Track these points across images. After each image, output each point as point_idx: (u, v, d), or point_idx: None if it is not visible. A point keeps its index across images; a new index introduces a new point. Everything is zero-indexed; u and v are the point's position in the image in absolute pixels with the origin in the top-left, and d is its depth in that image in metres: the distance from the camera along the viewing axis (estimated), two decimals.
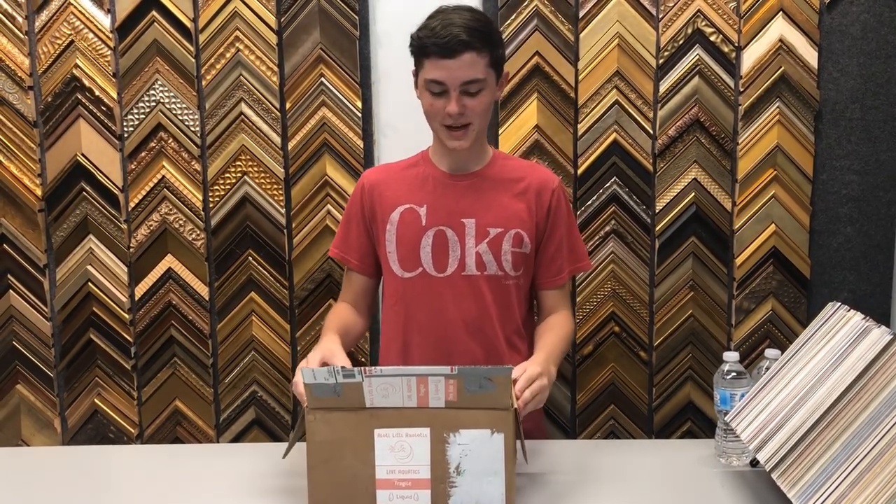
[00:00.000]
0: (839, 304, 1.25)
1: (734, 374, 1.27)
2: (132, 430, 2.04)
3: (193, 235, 1.99)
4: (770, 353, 1.28)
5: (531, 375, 1.16)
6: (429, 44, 1.37)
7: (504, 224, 1.47)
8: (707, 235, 1.98)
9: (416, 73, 1.45)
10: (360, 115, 1.96)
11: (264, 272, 1.99)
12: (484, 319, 1.47)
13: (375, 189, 1.53)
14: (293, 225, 1.99)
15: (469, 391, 1.03)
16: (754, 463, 1.25)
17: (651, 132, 1.96)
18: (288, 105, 1.95)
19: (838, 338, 1.17)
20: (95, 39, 1.93)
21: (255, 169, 1.97)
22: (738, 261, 1.99)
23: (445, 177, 1.50)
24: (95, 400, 2.03)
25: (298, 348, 2.01)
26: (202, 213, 1.98)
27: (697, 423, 2.04)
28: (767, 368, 1.26)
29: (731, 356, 1.27)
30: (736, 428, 1.20)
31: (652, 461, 1.27)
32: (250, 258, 1.99)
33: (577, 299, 2.00)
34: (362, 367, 1.04)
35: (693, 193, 1.97)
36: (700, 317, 2.00)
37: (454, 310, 1.47)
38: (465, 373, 1.03)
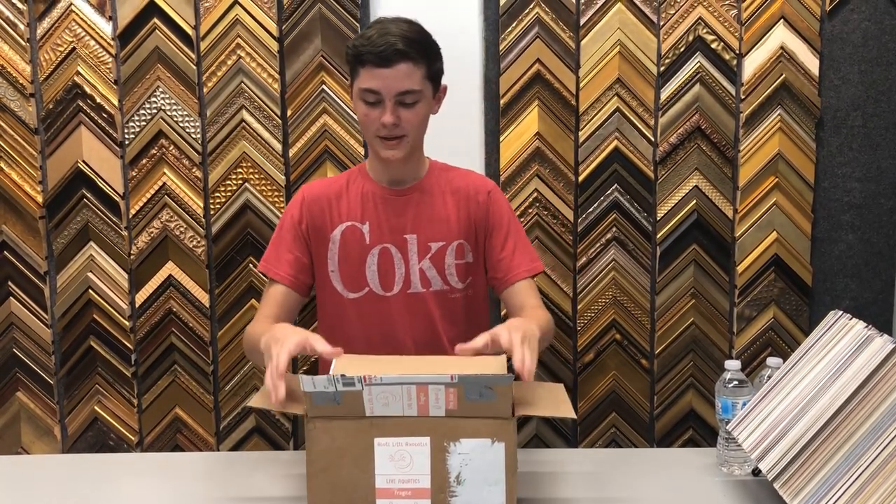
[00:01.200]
0: (841, 312, 1.24)
1: (736, 382, 1.26)
2: (132, 438, 2.04)
3: (194, 242, 1.98)
4: (772, 361, 1.27)
5: (521, 337, 1.14)
6: (364, 52, 1.35)
7: (445, 237, 1.46)
8: (708, 243, 1.98)
9: (351, 84, 1.43)
10: None
11: (265, 280, 1.99)
12: (433, 337, 1.47)
13: (315, 205, 1.48)
14: None
15: (469, 399, 1.02)
16: (756, 472, 1.24)
17: (652, 139, 1.95)
18: (289, 112, 1.95)
19: (840, 346, 1.16)
20: (97, 47, 1.93)
21: (256, 176, 1.97)
22: (740, 268, 1.98)
23: (385, 192, 1.48)
24: (95, 407, 2.03)
25: (299, 357, 2.01)
26: (203, 220, 1.98)
27: (699, 431, 2.03)
28: (769, 377, 1.26)
29: (732, 364, 1.27)
30: (738, 437, 1.19)
31: (654, 470, 1.26)
32: (251, 265, 1.99)
33: (579, 307, 1.99)
34: (362, 376, 1.03)
35: (694, 201, 1.96)
36: (701, 324, 2.00)
37: (402, 329, 1.46)
38: (465, 381, 1.03)
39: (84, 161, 1.97)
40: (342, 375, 1.04)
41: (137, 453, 1.98)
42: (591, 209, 1.97)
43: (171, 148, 1.96)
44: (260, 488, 1.21)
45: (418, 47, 1.37)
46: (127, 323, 2.00)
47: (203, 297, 2.00)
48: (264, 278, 1.55)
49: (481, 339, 1.17)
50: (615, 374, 2.01)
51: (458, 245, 1.46)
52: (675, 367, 2.01)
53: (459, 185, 1.50)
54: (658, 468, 1.27)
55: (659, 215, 1.97)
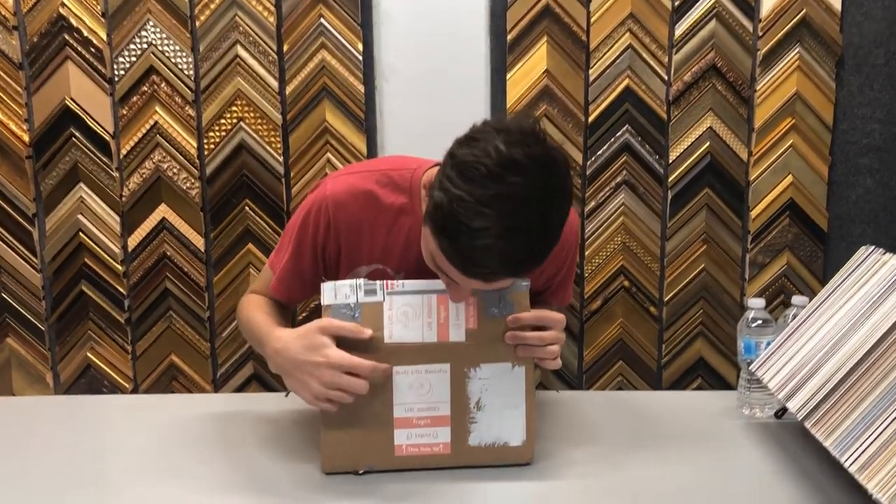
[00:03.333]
0: (873, 247, 1.21)
1: (760, 321, 1.23)
2: (126, 385, 1.99)
3: (188, 184, 1.92)
4: (797, 300, 1.24)
5: (550, 318, 1.04)
6: (454, 256, 0.96)
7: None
8: (722, 187, 1.91)
9: (427, 228, 1.00)
10: (360, 58, 1.88)
11: (262, 223, 1.94)
12: None
13: (342, 228, 1.14)
14: (291, 174, 1.93)
15: (488, 315, 0.98)
16: (779, 414, 1.22)
17: (665, 78, 1.89)
18: (286, 47, 1.88)
19: (874, 282, 1.13)
20: None
21: (252, 115, 1.90)
22: (754, 213, 1.93)
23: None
24: (88, 354, 1.98)
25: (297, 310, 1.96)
26: (196, 160, 1.91)
27: (708, 380, 2.01)
28: (794, 316, 1.23)
29: (756, 303, 1.24)
30: (763, 377, 1.17)
31: (672, 412, 1.24)
32: (247, 208, 1.93)
33: (586, 253, 1.95)
34: (384, 282, 0.99)
35: (708, 143, 1.91)
36: (713, 271, 1.96)
37: None
38: (482, 290, 0.99)
39: (72, 98, 1.89)
40: (365, 281, 0.99)
41: (133, 395, 1.94)
42: (600, 151, 1.92)
43: (162, 85, 1.89)
44: (263, 427, 1.18)
45: (535, 265, 0.99)
46: (119, 267, 1.95)
47: (198, 241, 1.94)
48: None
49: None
50: (622, 321, 1.99)
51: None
52: (685, 314, 1.98)
53: None
54: (676, 411, 1.24)
55: (671, 158, 1.92)
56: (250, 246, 1.93)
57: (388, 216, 1.13)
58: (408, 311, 1.00)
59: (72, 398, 1.38)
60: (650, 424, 1.20)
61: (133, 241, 1.93)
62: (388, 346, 1.00)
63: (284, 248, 1.23)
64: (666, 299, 1.96)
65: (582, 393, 1.37)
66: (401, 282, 0.99)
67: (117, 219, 1.92)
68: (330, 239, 1.15)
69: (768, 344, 1.20)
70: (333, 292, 0.98)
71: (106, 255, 1.93)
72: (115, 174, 1.90)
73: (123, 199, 1.91)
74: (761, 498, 0.98)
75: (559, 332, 1.02)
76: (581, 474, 1.04)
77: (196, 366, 1.98)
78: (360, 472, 1.04)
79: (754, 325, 1.24)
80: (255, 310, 1.20)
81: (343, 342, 0.98)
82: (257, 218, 1.92)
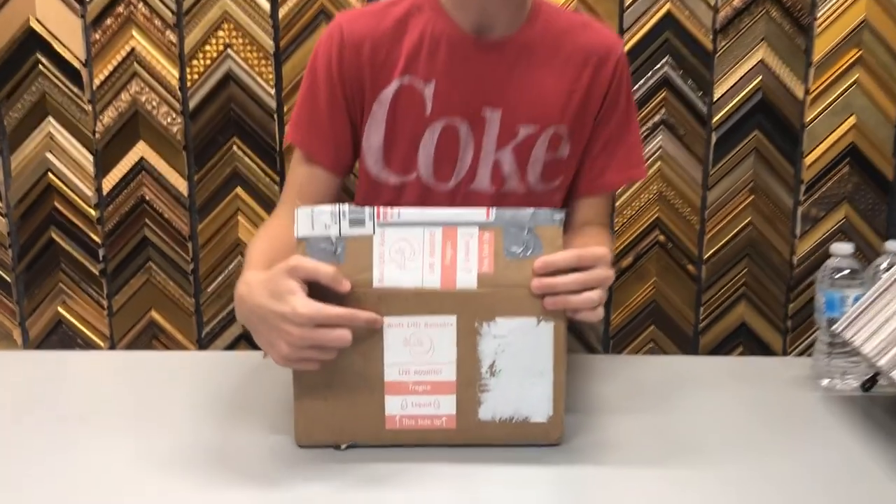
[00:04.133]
0: None
1: (846, 271, 1.00)
2: (102, 344, 1.79)
3: (169, 119, 1.71)
4: (892, 245, 1.01)
5: (591, 255, 0.80)
6: None
7: (541, 118, 1.04)
8: (773, 129, 1.65)
9: None
10: None
11: (251, 164, 1.72)
12: None
13: (360, 51, 1.03)
14: (284, 109, 1.71)
15: (509, 255, 0.77)
16: (867, 386, 0.99)
17: (712, 3, 1.65)
18: None
19: None
20: None
21: (240, 41, 1.67)
22: (808, 160, 1.69)
23: (465, 39, 1.02)
24: (60, 308, 1.78)
25: None
26: (178, 93, 1.68)
27: (750, 348, 1.80)
28: (889, 266, 1.00)
29: (842, 249, 1.00)
30: (852, 339, 0.94)
31: (726, 382, 1.01)
32: (235, 147, 1.71)
33: (617, 203, 1.72)
34: (374, 210, 0.77)
35: (759, 78, 1.66)
36: (760, 225, 1.72)
37: None
38: (504, 219, 0.76)
39: (38, 20, 1.65)
40: (350, 207, 0.77)
41: (109, 351, 1.75)
42: (636, 87, 1.66)
43: (140, 6, 1.65)
44: (248, 387, 0.98)
45: None
46: (93, 213, 1.74)
47: (180, 185, 1.72)
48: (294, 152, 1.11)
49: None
50: (656, 280, 1.76)
51: (553, 134, 1.04)
52: (727, 274, 1.75)
53: (577, 43, 1.06)
54: (733, 380, 1.01)
55: (716, 95, 1.67)
56: (239, 190, 1.71)
57: (401, 18, 1.05)
58: (404, 247, 0.77)
59: (42, 354, 1.18)
60: (702, 396, 0.97)
61: (108, 183, 1.72)
62: (379, 291, 0.78)
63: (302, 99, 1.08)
64: (706, 257, 1.72)
65: (613, 357, 1.15)
66: (396, 210, 0.76)
67: (90, 158, 1.71)
68: (344, 66, 1.04)
69: (857, 299, 0.97)
70: (310, 220, 0.76)
71: (78, 199, 1.72)
72: (88, 107, 1.69)
73: (97, 135, 1.70)
74: (857, 490, 0.77)
75: (604, 271, 0.80)
76: (623, 459, 0.82)
77: (179, 323, 1.78)
78: (343, 447, 0.82)
79: (839, 276, 1.00)
80: (255, 241, 1.00)
81: (320, 287, 0.76)
82: (246, 159, 1.70)
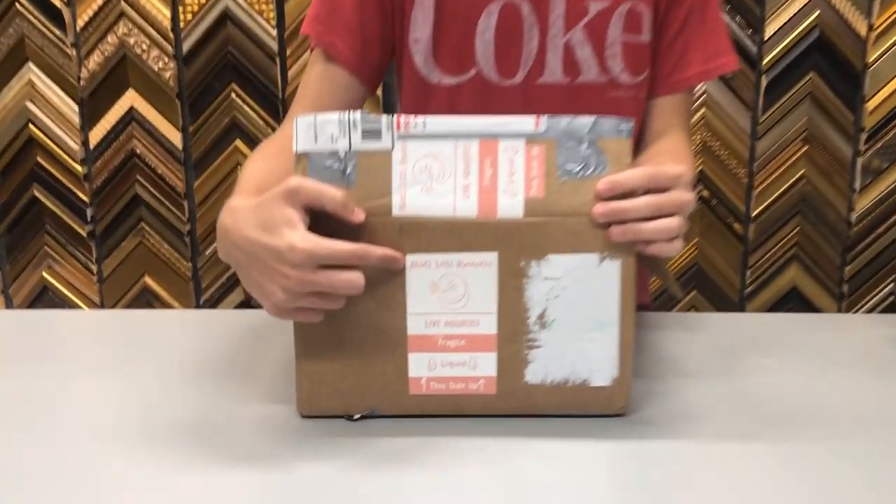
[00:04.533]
0: None
1: None
2: None
3: (160, 65, 1.55)
4: None
5: (667, 174, 0.63)
6: None
7: None
8: (831, 71, 1.49)
9: None
10: None
11: (251, 113, 1.56)
12: None
13: None
14: (287, 52, 1.55)
15: (564, 175, 0.60)
16: None
17: None
18: None
19: None
20: None
21: None
22: (870, 105, 1.51)
23: None
24: (45, 274, 1.64)
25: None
26: (170, 35, 1.53)
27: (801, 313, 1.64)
28: None
29: None
30: None
31: (817, 340, 0.85)
32: (233, 95, 1.55)
33: None
34: (394, 119, 0.61)
35: (816, 13, 1.48)
36: (815, 179, 1.56)
37: None
38: (557, 128, 0.60)
39: None
40: (363, 116, 0.61)
41: (99, 311, 1.61)
42: None
43: None
44: (248, 349, 0.83)
45: None
46: (80, 168, 1.59)
47: (174, 137, 1.57)
48: (312, 50, 0.89)
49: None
50: (699, 241, 1.59)
51: (629, 10, 0.86)
52: (777, 233, 1.58)
53: None
54: (822, 338, 0.85)
55: (767, 33, 1.50)
56: (238, 143, 1.55)
57: None
58: (432, 165, 0.61)
59: (25, 313, 1.03)
60: (784, 357, 0.81)
61: (95, 136, 1.57)
62: (399, 221, 0.61)
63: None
64: (754, 214, 1.55)
65: (664, 314, 0.98)
66: (421, 118, 0.60)
67: (75, 108, 1.55)
68: None
69: None
70: (312, 131, 0.60)
71: (63, 154, 1.57)
72: (71, 52, 1.53)
73: (82, 82, 1.54)
74: None
75: (683, 193, 0.63)
76: (702, 431, 0.66)
77: (175, 290, 1.63)
78: (356, 416, 0.66)
79: None
80: (250, 161, 0.81)
81: (325, 217, 0.60)
82: (246, 107, 1.54)
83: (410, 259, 0.62)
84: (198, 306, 1.62)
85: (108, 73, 1.54)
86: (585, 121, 0.62)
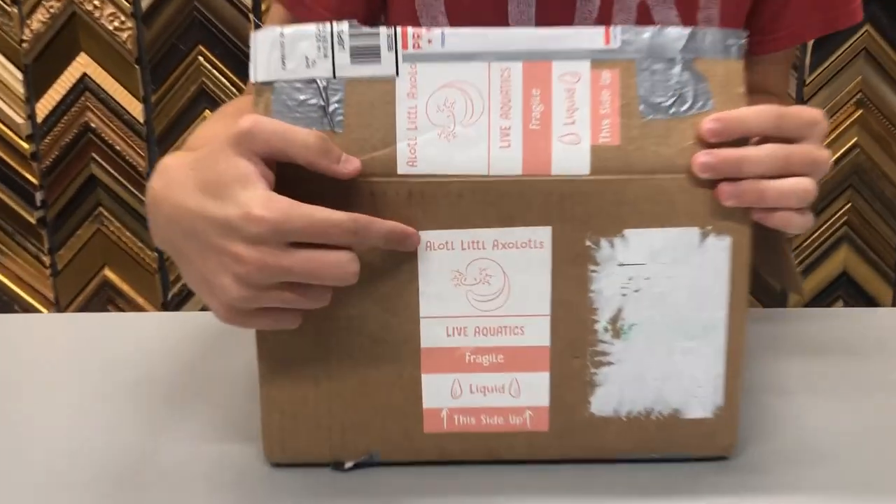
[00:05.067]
0: None
1: None
2: (45, 310, 1.47)
3: (116, 24, 1.34)
4: None
5: (801, 117, 0.43)
6: None
7: None
8: (889, 23, 1.28)
9: None
10: None
11: (222, 79, 1.36)
12: None
13: None
14: (262, 7, 1.35)
15: (649, 112, 0.41)
16: None
17: None
18: None
19: None
20: None
21: None
22: None
23: None
24: None
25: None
26: None
27: (851, 301, 1.46)
28: None
29: None
30: None
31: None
32: (201, 59, 1.35)
33: None
34: (395, 29, 0.42)
35: None
36: (868, 148, 1.36)
37: None
38: (639, 45, 0.41)
39: None
40: (353, 28, 0.42)
41: (55, 314, 1.43)
42: None
43: None
44: (216, 360, 0.64)
45: None
46: (26, 146, 1.39)
47: (134, 108, 1.36)
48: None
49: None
50: None
51: None
52: (825, 209, 1.39)
53: None
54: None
55: None
56: (207, 114, 1.35)
57: None
58: (455, 101, 0.41)
59: None
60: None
61: (43, 108, 1.36)
62: (408, 183, 0.41)
63: None
64: None
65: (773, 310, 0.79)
66: (438, 31, 0.40)
67: (19, 76, 1.35)
68: None
69: None
70: (277, 52, 0.39)
71: (6, 129, 1.37)
72: (12, 9, 1.33)
73: (25, 46, 1.34)
74: None
75: (818, 148, 0.43)
76: (841, 481, 0.47)
77: (139, 283, 1.43)
78: (348, 465, 0.47)
79: None
80: (206, 122, 0.60)
81: (296, 177, 0.40)
82: (216, 73, 1.34)
83: (424, 238, 0.42)
84: (165, 302, 1.42)
85: (55, 35, 1.34)
86: (678, 33, 0.43)
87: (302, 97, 0.41)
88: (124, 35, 1.33)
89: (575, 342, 0.43)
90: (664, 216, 0.42)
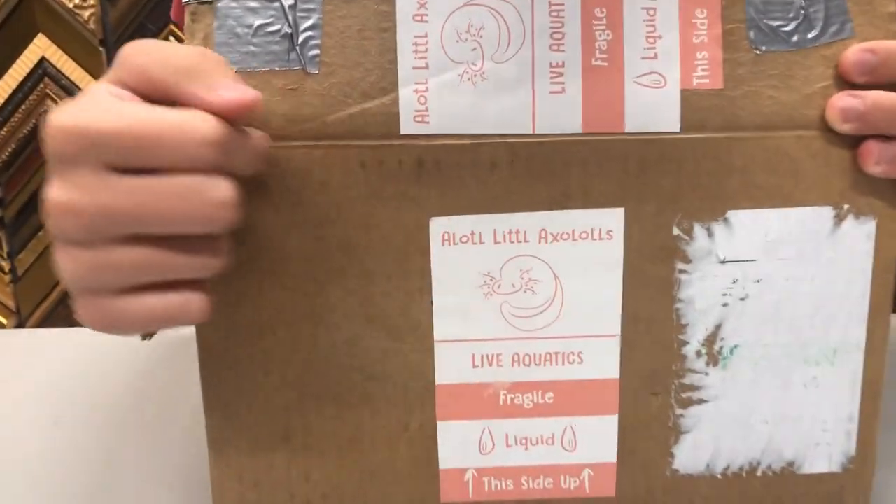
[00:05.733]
0: None
1: None
2: (4, 321, 1.36)
3: (77, 1, 1.24)
4: None
5: None
6: None
7: None
8: None
9: None
10: None
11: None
12: None
13: None
14: None
15: (763, 42, 0.30)
16: None
17: None
18: None
19: None
20: None
21: None
22: None
23: None
24: None
25: None
26: None
27: None
28: None
29: None
30: None
31: None
32: (172, 39, 1.25)
33: None
34: None
35: None
36: None
37: None
38: None
39: None
40: None
41: (15, 330, 1.31)
42: None
43: None
44: (179, 388, 0.52)
45: None
46: None
47: None
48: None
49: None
50: None
51: None
52: None
53: None
54: None
55: None
56: None
57: None
58: (482, 23, 0.29)
59: None
60: None
61: None
62: (416, 147, 0.29)
63: None
64: None
65: None
66: None
67: None
68: None
69: None
70: None
71: None
72: None
73: None
74: None
75: None
76: None
77: None
78: None
79: None
80: None
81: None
82: None
83: (440, 228, 0.29)
84: None
85: (9, 14, 1.22)
86: None
87: (258, 21, 0.28)
88: (86, 14, 1.21)
89: (655, 373, 0.30)
90: (784, 191, 0.29)
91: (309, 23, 0.28)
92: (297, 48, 0.28)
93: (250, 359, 0.29)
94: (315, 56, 0.28)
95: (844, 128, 0.29)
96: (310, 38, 0.28)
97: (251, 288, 0.29)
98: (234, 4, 0.28)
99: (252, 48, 0.28)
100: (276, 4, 0.28)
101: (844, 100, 0.28)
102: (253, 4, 0.28)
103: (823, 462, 0.32)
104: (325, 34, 0.28)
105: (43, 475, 0.41)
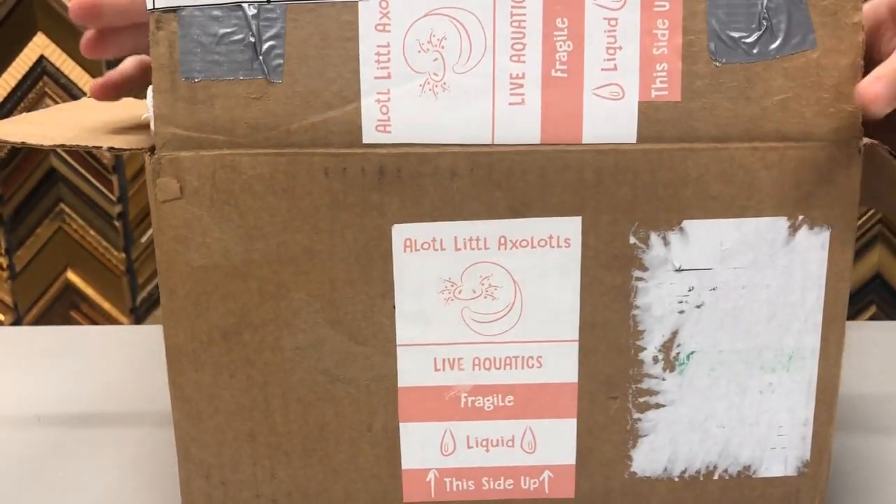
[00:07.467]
0: None
1: None
2: (1, 317, 1.36)
3: None
4: None
5: None
6: None
7: None
8: None
9: None
10: None
11: None
12: None
13: None
14: None
15: (723, 54, 0.31)
16: None
17: None
18: None
19: None
20: None
21: None
22: None
23: None
24: None
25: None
26: None
27: (885, 306, 1.34)
28: None
29: None
30: None
31: None
32: None
33: None
34: None
35: None
36: None
37: None
38: None
39: None
40: None
41: (12, 328, 1.30)
42: None
43: None
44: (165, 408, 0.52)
45: None
46: None
47: None
48: None
49: None
50: None
51: None
52: None
53: None
54: None
55: None
56: None
57: None
58: (444, 33, 0.29)
59: None
60: None
61: None
62: (379, 156, 0.30)
63: None
64: None
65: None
66: None
67: None
68: None
69: None
70: None
71: None
72: None
73: None
74: None
75: None
76: None
77: (105, 286, 1.31)
78: None
79: None
80: None
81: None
82: None
83: (402, 234, 0.30)
84: (134, 308, 1.30)
85: (8, 12, 1.22)
86: None
87: (222, 30, 0.28)
88: None
89: (613, 378, 0.31)
90: (739, 201, 0.30)
91: (272, 32, 0.29)
92: (261, 57, 0.28)
93: (216, 361, 0.30)
94: (278, 65, 0.29)
95: (878, 110, 0.29)
96: (273, 47, 0.29)
97: (217, 292, 0.30)
98: (197, 13, 0.28)
99: (217, 56, 0.28)
100: (240, 13, 0.28)
101: (874, 86, 0.29)
102: (216, 13, 0.28)
103: (779, 466, 0.33)
104: (289, 43, 0.29)
105: (24, 473, 0.41)
